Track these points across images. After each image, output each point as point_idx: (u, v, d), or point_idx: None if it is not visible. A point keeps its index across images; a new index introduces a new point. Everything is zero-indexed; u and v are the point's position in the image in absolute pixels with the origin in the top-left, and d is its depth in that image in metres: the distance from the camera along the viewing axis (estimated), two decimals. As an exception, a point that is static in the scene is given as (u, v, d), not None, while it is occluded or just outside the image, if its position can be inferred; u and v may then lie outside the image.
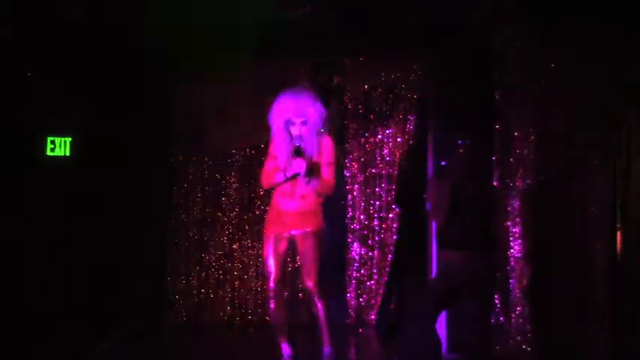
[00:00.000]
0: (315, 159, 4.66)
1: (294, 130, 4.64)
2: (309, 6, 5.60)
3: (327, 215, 4.91)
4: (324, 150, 4.68)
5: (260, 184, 4.88)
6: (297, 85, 4.89)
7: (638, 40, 5.66)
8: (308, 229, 4.69)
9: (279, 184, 4.72)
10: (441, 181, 4.74)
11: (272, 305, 4.69)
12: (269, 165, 4.75)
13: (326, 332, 4.66)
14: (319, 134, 4.68)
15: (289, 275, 6.69)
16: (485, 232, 4.72)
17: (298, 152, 4.57)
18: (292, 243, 4.78)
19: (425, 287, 6.04)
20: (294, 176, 4.63)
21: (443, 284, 4.70)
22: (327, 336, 4.67)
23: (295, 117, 4.62)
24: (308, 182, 4.59)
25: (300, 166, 4.55)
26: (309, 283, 4.65)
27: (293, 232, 4.72)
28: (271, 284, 4.69)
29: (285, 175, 4.64)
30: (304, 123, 4.62)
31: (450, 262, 4.65)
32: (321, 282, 4.66)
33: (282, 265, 4.78)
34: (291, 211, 4.70)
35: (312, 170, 4.60)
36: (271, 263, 4.72)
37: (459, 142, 4.67)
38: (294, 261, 6.71)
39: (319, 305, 4.65)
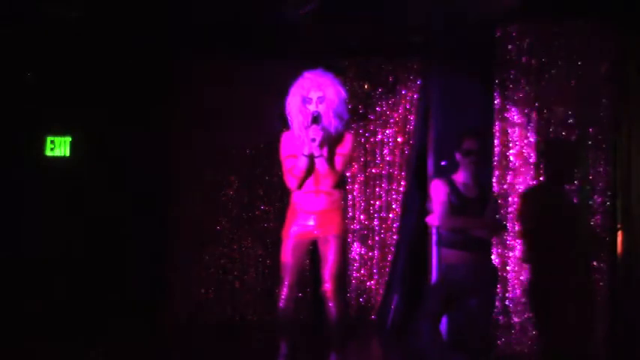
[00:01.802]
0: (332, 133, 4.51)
1: (311, 107, 4.50)
2: (310, 5, 5.60)
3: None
4: (344, 142, 4.56)
5: (288, 187, 4.63)
6: (317, 68, 4.65)
7: (637, 40, 5.67)
8: (331, 233, 4.55)
9: (305, 174, 4.51)
10: (442, 181, 4.73)
11: (281, 305, 4.57)
12: (289, 162, 4.59)
13: (335, 337, 4.54)
14: (340, 118, 4.53)
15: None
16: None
17: (316, 120, 4.43)
18: (314, 245, 4.64)
19: (427, 287, 6.05)
20: (311, 156, 4.46)
21: (445, 284, 4.70)
22: (336, 341, 4.55)
23: (312, 92, 4.51)
24: (321, 149, 4.42)
25: (316, 132, 4.40)
26: (327, 286, 4.50)
27: (316, 234, 4.57)
28: (284, 287, 4.56)
29: (304, 153, 4.47)
30: (321, 100, 4.50)
31: (451, 262, 4.65)
32: (339, 287, 4.53)
33: (299, 268, 4.63)
34: (316, 210, 4.56)
35: (328, 141, 4.47)
36: (288, 266, 4.57)
37: (470, 143, 4.64)
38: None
39: (333, 310, 4.50)
